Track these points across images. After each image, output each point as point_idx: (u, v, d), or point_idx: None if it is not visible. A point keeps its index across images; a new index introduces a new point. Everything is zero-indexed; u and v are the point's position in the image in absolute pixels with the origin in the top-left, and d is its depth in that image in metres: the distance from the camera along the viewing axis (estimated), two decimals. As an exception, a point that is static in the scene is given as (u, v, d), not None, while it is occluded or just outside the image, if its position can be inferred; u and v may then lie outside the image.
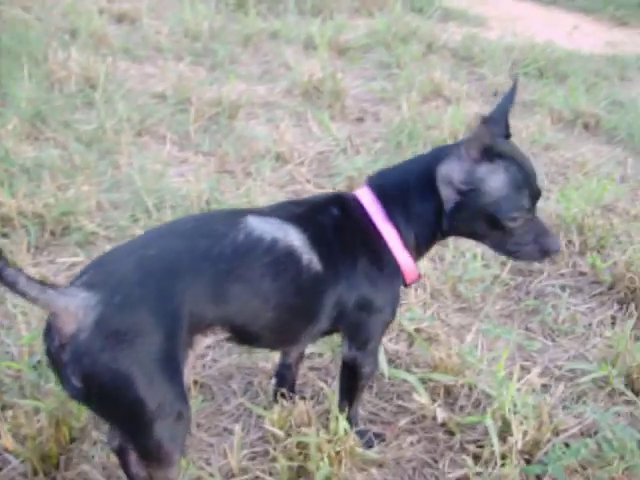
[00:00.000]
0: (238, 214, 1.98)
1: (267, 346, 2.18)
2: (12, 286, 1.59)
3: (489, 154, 1.95)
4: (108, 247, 3.00)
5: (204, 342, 1.90)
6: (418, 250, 2.13)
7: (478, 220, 2.03)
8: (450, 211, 2.03)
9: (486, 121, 1.91)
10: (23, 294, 1.60)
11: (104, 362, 1.65)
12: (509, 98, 2.14)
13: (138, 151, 3.88)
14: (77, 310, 1.64)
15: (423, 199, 2.06)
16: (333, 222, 2.05)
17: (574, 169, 4.24)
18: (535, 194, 2.05)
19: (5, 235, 3.12)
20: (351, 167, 3.77)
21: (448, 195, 2.01)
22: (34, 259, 3.03)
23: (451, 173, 1.99)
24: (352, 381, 2.21)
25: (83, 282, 1.71)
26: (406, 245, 2.08)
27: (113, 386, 1.67)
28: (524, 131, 4.54)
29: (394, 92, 4.92)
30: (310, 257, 1.94)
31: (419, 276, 2.17)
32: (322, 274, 1.96)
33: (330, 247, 2.00)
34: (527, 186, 2.00)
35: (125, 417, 1.75)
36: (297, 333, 2.05)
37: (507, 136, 2.10)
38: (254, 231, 1.89)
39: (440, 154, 2.05)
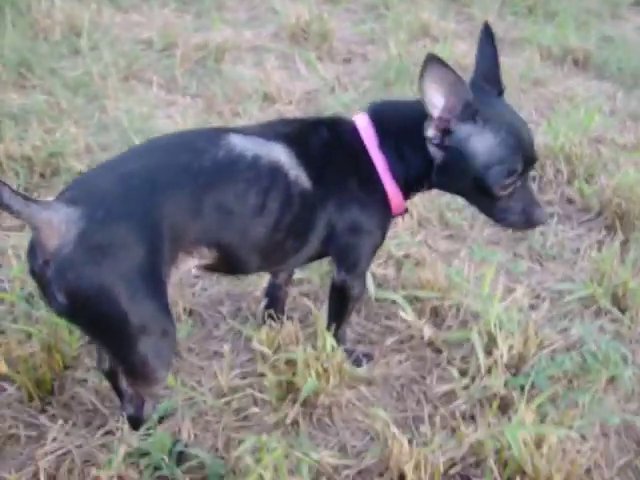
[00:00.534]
0: (220, 132, 1.99)
1: (256, 269, 2.17)
2: None
3: (471, 113, 1.91)
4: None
5: (189, 262, 1.92)
6: (405, 189, 2.13)
7: (464, 182, 2.01)
8: (438, 167, 2.02)
9: (459, 79, 1.86)
10: (7, 207, 1.62)
11: (88, 276, 1.67)
12: (488, 47, 2.06)
13: (125, 95, 3.87)
14: (60, 224, 1.65)
15: (416, 147, 2.03)
16: (323, 142, 2.05)
17: (563, 103, 4.23)
18: (529, 161, 1.97)
19: (-7, 177, 3.14)
20: (339, 104, 3.77)
21: (434, 151, 2.00)
22: (23, 200, 3.04)
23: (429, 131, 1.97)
24: (341, 303, 2.24)
25: (66, 198, 1.73)
26: (394, 178, 2.08)
27: (97, 300, 1.69)
28: (513, 68, 4.52)
29: (382, 33, 4.89)
30: (297, 173, 1.95)
31: (405, 209, 2.19)
32: (311, 191, 1.97)
33: (319, 166, 2.00)
34: (520, 152, 1.94)
35: (110, 332, 1.78)
36: (286, 254, 2.06)
37: (500, 92, 2.07)
38: (235, 148, 1.90)
39: None
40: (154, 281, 1.76)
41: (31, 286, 2.46)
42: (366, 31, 4.98)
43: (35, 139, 3.27)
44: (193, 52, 4.34)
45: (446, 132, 1.95)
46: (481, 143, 1.93)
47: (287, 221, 1.96)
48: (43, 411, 2.18)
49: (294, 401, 2.16)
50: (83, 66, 4.09)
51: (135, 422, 2.01)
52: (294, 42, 4.75)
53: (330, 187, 2.02)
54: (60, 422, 2.07)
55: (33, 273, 1.74)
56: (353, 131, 2.08)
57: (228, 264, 2.01)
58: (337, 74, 4.30)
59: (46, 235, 1.66)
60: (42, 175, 3.21)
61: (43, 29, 4.49)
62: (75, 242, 1.65)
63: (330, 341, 2.17)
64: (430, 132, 1.96)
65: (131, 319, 1.72)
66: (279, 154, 1.94)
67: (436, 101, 1.90)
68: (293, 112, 3.80)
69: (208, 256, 1.92)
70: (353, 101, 3.77)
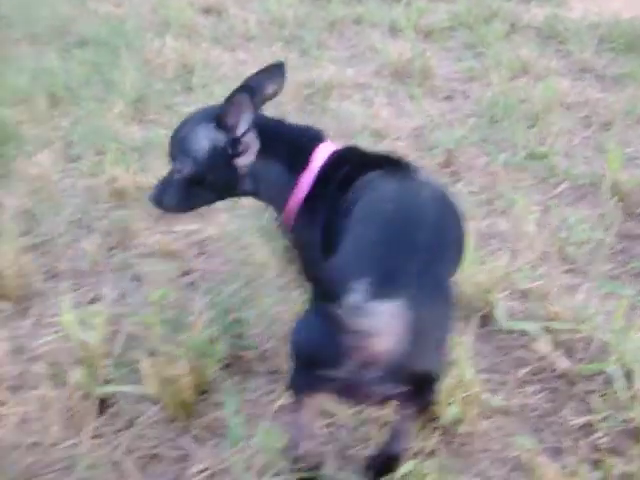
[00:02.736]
0: None
1: None
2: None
3: None
4: (224, 215, 3.15)
5: None
6: None
7: None
8: None
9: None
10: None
11: (418, 360, 1.68)
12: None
13: (239, 130, 4.00)
14: (388, 328, 1.59)
15: None
16: None
17: (673, 140, 4.18)
18: None
19: (124, 207, 3.28)
20: (449, 139, 3.82)
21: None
22: (151, 229, 3.17)
23: None
24: None
25: (372, 291, 1.60)
26: None
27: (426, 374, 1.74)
28: (616, 104, 4.49)
29: (482, 70, 4.93)
30: None
31: None
32: None
33: None
34: None
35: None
36: None
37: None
38: None
39: None
40: None
41: (171, 312, 2.56)
42: (466, 68, 5.04)
43: (160, 170, 3.39)
44: (301, 89, 4.46)
45: None
46: None
47: None
48: (186, 432, 2.26)
49: (434, 429, 2.18)
50: (196, 102, 4.24)
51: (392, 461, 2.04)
52: (396, 79, 4.84)
53: None
54: (211, 442, 2.14)
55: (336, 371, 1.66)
56: None
57: None
58: (441, 111, 4.36)
59: (373, 342, 1.59)
60: (168, 206, 3.33)
61: (156, 67, 4.70)
62: (402, 336, 1.59)
63: (470, 370, 2.19)
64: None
65: None
66: None
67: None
68: (403, 148, 3.86)
69: None
70: (463, 137, 3.82)
